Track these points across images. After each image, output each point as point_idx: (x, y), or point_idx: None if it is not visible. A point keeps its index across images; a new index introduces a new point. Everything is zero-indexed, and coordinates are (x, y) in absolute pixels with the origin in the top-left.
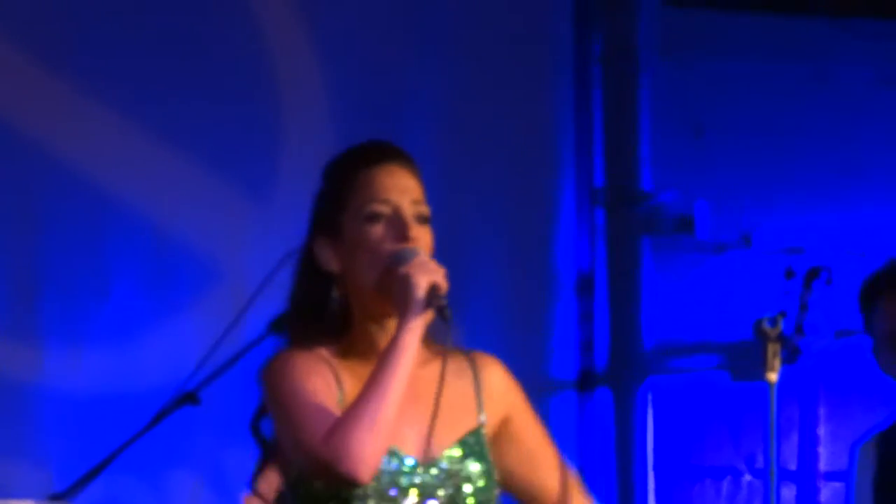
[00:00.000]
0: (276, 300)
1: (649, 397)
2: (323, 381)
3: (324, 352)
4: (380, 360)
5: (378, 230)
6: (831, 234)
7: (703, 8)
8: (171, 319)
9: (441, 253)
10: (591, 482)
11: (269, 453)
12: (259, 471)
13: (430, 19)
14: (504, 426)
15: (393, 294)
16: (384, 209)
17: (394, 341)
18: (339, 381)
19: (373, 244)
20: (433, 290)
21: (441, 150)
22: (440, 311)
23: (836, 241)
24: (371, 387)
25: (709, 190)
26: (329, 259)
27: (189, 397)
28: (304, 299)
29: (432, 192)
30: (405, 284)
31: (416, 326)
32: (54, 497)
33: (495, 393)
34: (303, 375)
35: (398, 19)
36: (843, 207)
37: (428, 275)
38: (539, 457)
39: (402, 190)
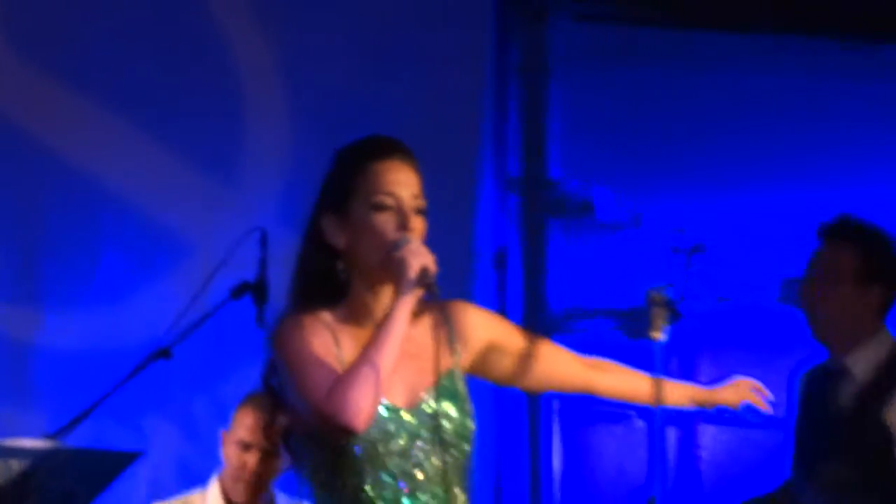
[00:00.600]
0: (237, 270)
1: None
2: (324, 343)
3: (325, 316)
4: (377, 328)
5: (383, 218)
6: (710, 216)
7: (605, 24)
8: (150, 287)
9: None
10: (506, 426)
11: (276, 401)
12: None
13: (376, 39)
14: (489, 348)
15: (391, 273)
16: (389, 201)
17: (389, 314)
18: (337, 343)
19: (378, 230)
20: (424, 272)
21: (354, 135)
22: (429, 288)
23: (713, 222)
24: (368, 351)
25: (606, 179)
26: (335, 235)
27: (163, 353)
28: (311, 269)
29: None
30: (401, 267)
31: (408, 302)
32: (48, 437)
33: (468, 329)
34: (307, 339)
35: (346, 37)
36: (720, 194)
37: (420, 259)
38: (530, 351)
39: (405, 184)
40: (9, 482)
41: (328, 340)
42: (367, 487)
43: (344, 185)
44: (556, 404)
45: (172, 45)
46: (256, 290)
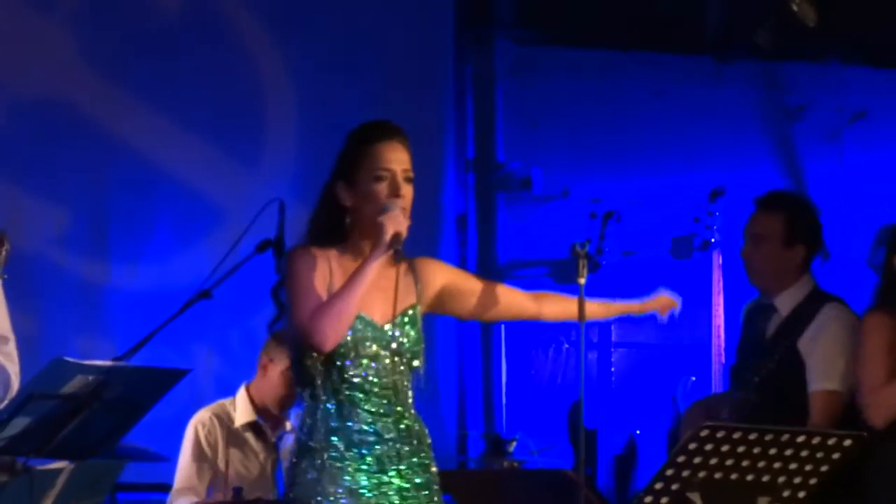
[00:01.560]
0: (261, 230)
1: None
2: (321, 272)
3: (329, 251)
4: (350, 276)
5: (381, 187)
6: (619, 190)
7: (536, 45)
8: (194, 243)
9: None
10: (466, 350)
11: (282, 311)
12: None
13: (366, 61)
14: (447, 290)
15: (376, 230)
16: (385, 174)
17: (362, 264)
18: (331, 273)
19: (376, 195)
20: (396, 236)
21: (349, 129)
22: (396, 252)
23: (622, 194)
24: (342, 291)
25: (541, 161)
26: (345, 197)
27: (205, 294)
28: (326, 218)
29: None
30: (380, 230)
31: (379, 258)
32: (116, 358)
33: (428, 277)
34: (307, 267)
35: (343, 58)
36: (628, 174)
37: (395, 225)
38: (487, 291)
39: (399, 161)
40: (88, 392)
41: (325, 271)
42: (356, 390)
43: (353, 159)
44: (503, 332)
45: (211, 61)
46: (276, 245)
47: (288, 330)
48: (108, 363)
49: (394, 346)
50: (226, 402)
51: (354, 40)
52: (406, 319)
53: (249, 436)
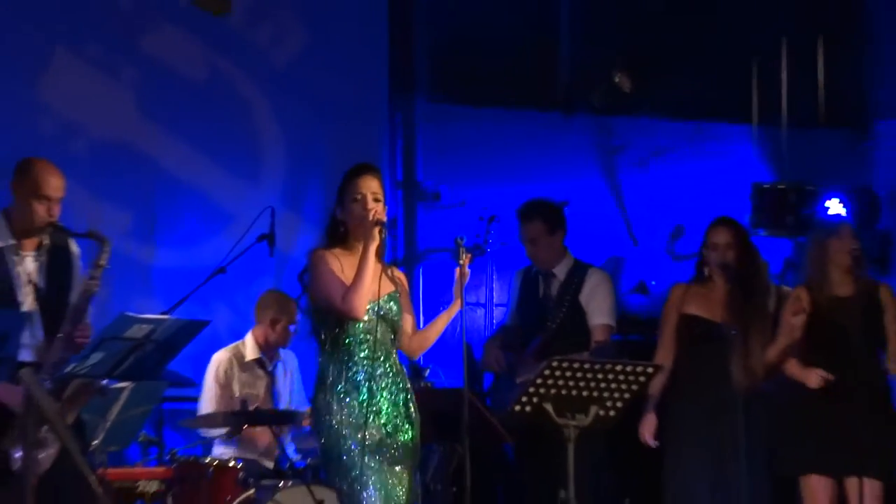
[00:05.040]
0: (259, 227)
1: (420, 272)
2: (336, 267)
3: (336, 251)
4: (360, 261)
5: (355, 206)
6: (499, 200)
7: (444, 104)
8: (213, 234)
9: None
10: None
11: (305, 289)
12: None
13: (323, 102)
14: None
15: (363, 231)
16: (360, 197)
17: (363, 253)
18: (341, 264)
19: (355, 212)
20: (375, 220)
21: (318, 159)
22: (381, 235)
23: (501, 203)
24: (358, 276)
25: (447, 181)
26: (340, 213)
27: (221, 270)
28: (331, 228)
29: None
30: (370, 231)
31: (372, 247)
32: (162, 313)
33: (398, 281)
34: (327, 263)
35: (308, 102)
36: (505, 190)
37: (373, 214)
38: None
39: (369, 188)
40: (142, 336)
41: (337, 264)
42: (358, 346)
43: (343, 188)
44: (420, 294)
45: (226, 112)
46: (269, 238)
47: (312, 304)
48: (155, 316)
49: (381, 313)
50: (238, 344)
51: (321, 97)
52: (389, 298)
53: (255, 366)
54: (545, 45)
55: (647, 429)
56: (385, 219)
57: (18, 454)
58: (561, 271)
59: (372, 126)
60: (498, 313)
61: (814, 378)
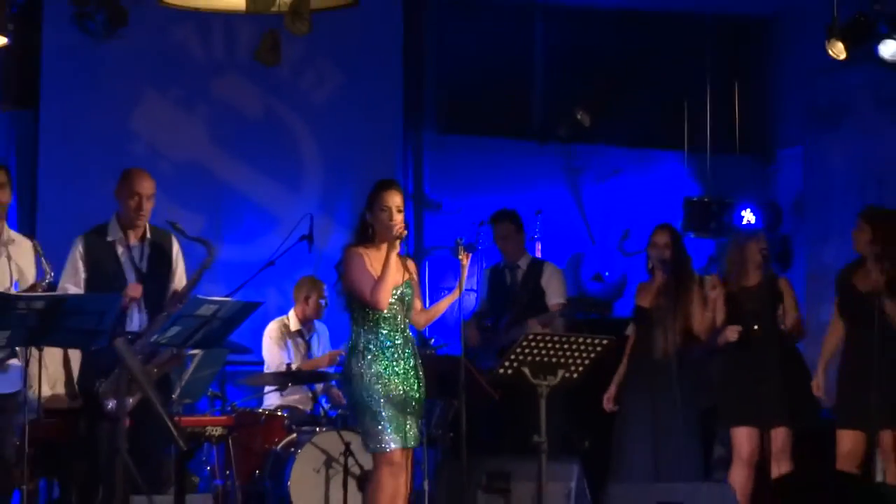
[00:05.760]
0: (300, 230)
1: (427, 264)
2: (365, 262)
3: (365, 248)
4: (383, 266)
5: (383, 215)
6: (488, 208)
7: (448, 135)
8: (264, 236)
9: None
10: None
11: (340, 277)
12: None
13: (352, 131)
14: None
15: (388, 235)
16: (387, 208)
17: (386, 259)
18: (369, 259)
19: (382, 220)
20: (398, 235)
21: (348, 176)
22: (400, 240)
23: (490, 211)
24: (382, 274)
25: (448, 194)
26: (369, 217)
27: (271, 263)
28: (361, 229)
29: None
30: (393, 242)
31: (394, 254)
32: (226, 296)
33: (412, 273)
34: (358, 260)
35: (339, 130)
36: (493, 199)
37: (397, 230)
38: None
39: (395, 202)
40: (210, 314)
41: (366, 260)
42: (382, 321)
43: (373, 198)
44: (426, 277)
45: (275, 138)
46: (309, 238)
47: (346, 290)
48: (220, 298)
49: (399, 296)
50: (283, 318)
51: (350, 128)
52: (406, 285)
53: (297, 335)
54: (523, 89)
55: (608, 397)
56: (406, 233)
57: (111, 403)
58: (524, 264)
59: (389, 151)
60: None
61: (731, 333)
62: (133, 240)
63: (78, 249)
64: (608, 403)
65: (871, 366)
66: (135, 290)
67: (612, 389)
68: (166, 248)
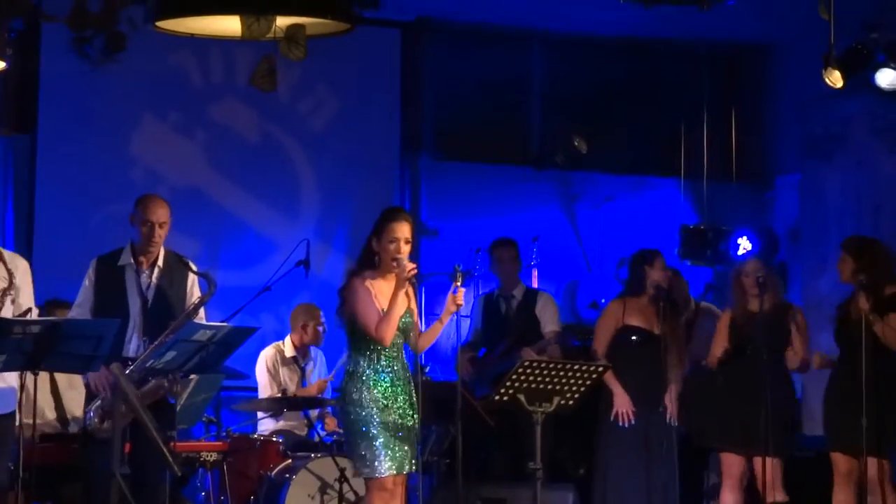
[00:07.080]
0: (297, 255)
1: (423, 290)
2: (370, 293)
3: (368, 276)
4: (390, 303)
5: (391, 246)
6: (485, 235)
7: (443, 161)
8: (264, 259)
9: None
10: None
11: (343, 303)
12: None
13: (351, 157)
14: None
15: (397, 273)
16: (395, 240)
17: (393, 297)
18: (373, 287)
19: (389, 250)
20: (407, 276)
21: (345, 203)
22: (410, 281)
23: (487, 238)
24: (389, 310)
25: (444, 220)
26: (375, 245)
27: (267, 288)
28: (366, 256)
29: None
30: (402, 282)
31: (402, 287)
32: (222, 321)
33: (409, 295)
34: (364, 292)
35: (337, 156)
36: (490, 227)
37: (406, 270)
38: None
39: (402, 232)
40: (206, 339)
41: (370, 292)
42: (382, 350)
43: (380, 227)
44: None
45: (273, 164)
46: (305, 263)
47: (348, 318)
48: (216, 324)
49: (401, 327)
50: (279, 343)
51: (347, 154)
52: (406, 314)
53: (291, 362)
54: (521, 117)
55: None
56: (416, 272)
57: (90, 416)
58: (518, 293)
59: (387, 178)
60: None
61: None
62: (145, 266)
63: (88, 274)
64: (625, 419)
65: (859, 390)
66: (96, 377)
67: (628, 406)
68: (180, 276)
